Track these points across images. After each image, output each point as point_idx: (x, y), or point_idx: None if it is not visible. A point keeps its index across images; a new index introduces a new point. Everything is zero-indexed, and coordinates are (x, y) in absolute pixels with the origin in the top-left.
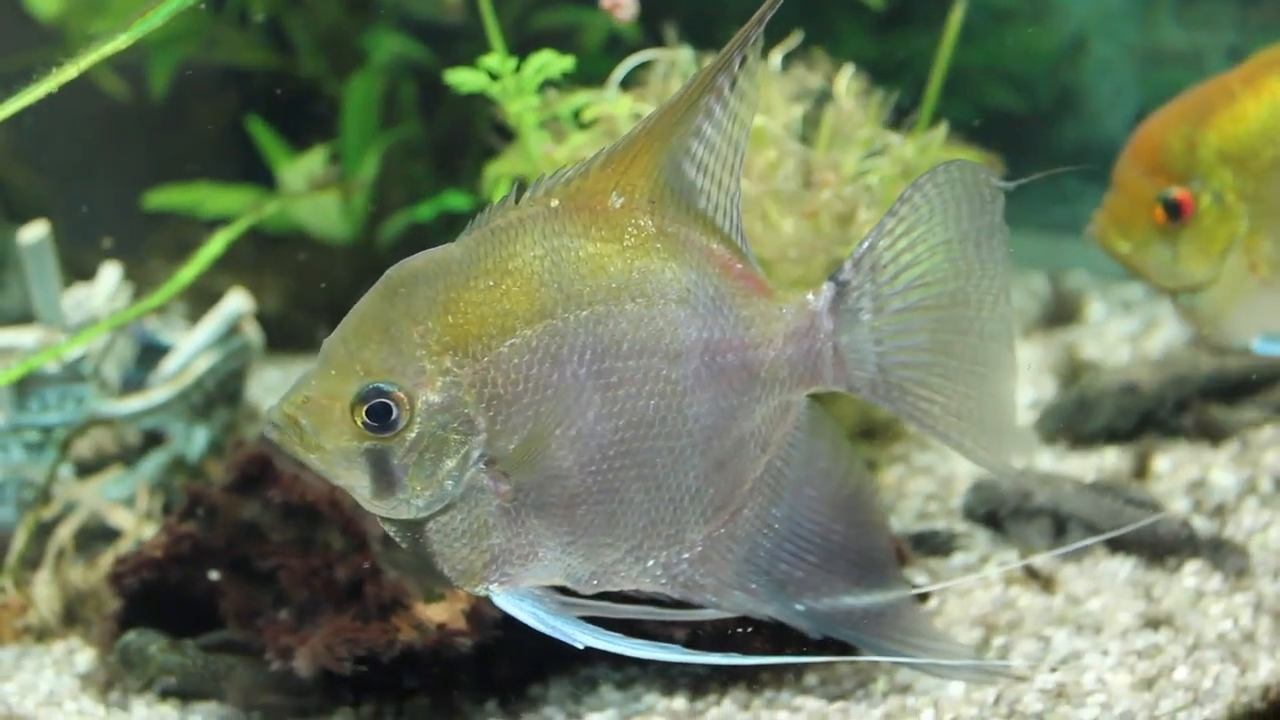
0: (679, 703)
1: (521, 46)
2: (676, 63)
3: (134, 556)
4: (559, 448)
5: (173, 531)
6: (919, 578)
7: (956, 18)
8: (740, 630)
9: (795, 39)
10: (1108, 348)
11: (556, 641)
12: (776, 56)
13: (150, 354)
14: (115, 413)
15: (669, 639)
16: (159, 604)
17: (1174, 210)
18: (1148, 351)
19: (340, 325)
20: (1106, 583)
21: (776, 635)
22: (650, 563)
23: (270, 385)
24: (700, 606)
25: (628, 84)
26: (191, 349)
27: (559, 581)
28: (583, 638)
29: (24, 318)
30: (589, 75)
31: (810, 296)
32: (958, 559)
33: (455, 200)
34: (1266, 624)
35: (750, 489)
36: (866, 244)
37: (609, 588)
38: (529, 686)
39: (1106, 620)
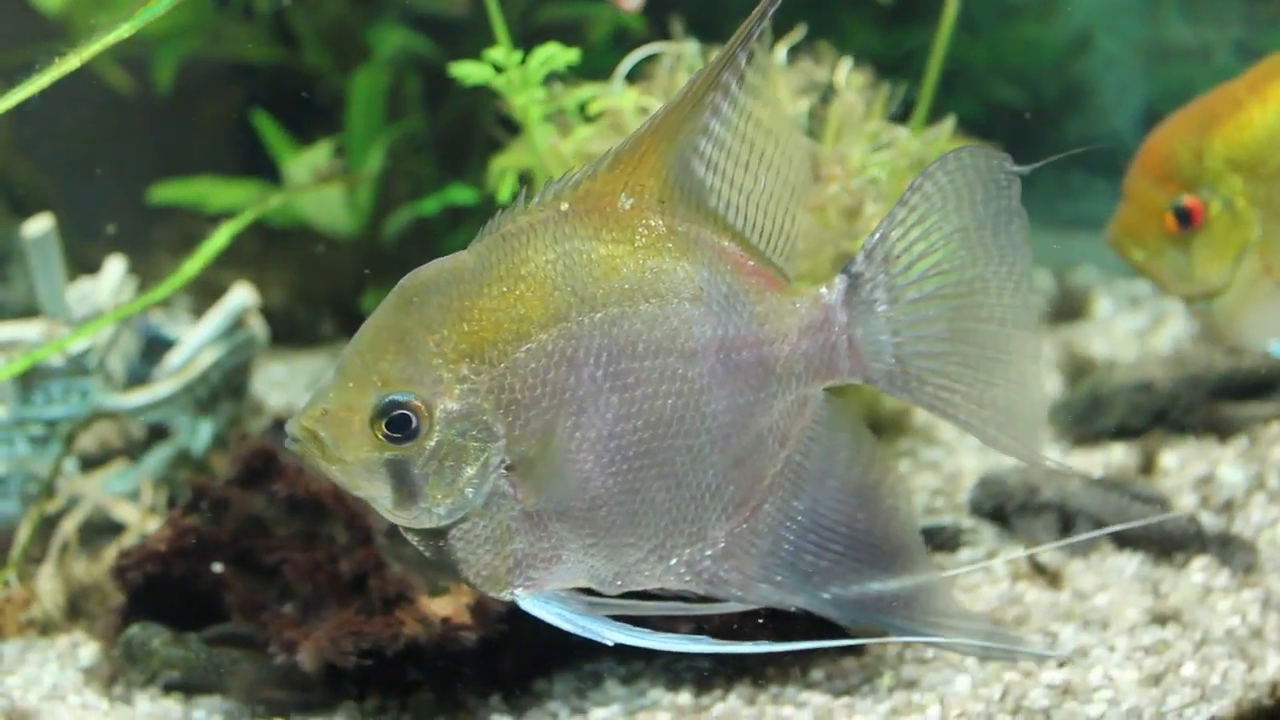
0: (684, 698)
1: (527, 40)
2: (682, 56)
3: (138, 550)
4: (578, 450)
5: (177, 525)
6: None
7: (951, 11)
8: (740, 626)
9: (799, 33)
10: (1115, 344)
11: (561, 636)
12: (781, 50)
13: (155, 348)
14: (120, 406)
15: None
16: (163, 598)
17: (1185, 218)
18: (1155, 347)
19: (355, 337)
20: (1114, 578)
21: (782, 629)
22: (674, 561)
23: (275, 380)
24: (725, 600)
25: (634, 77)
26: (196, 343)
27: (583, 583)
28: (611, 635)
29: (29, 312)
30: (595, 70)
31: (824, 290)
32: (964, 554)
33: (460, 194)
34: (1275, 620)
35: (771, 484)
36: (878, 235)
37: (633, 587)
38: (534, 681)
39: (1114, 616)
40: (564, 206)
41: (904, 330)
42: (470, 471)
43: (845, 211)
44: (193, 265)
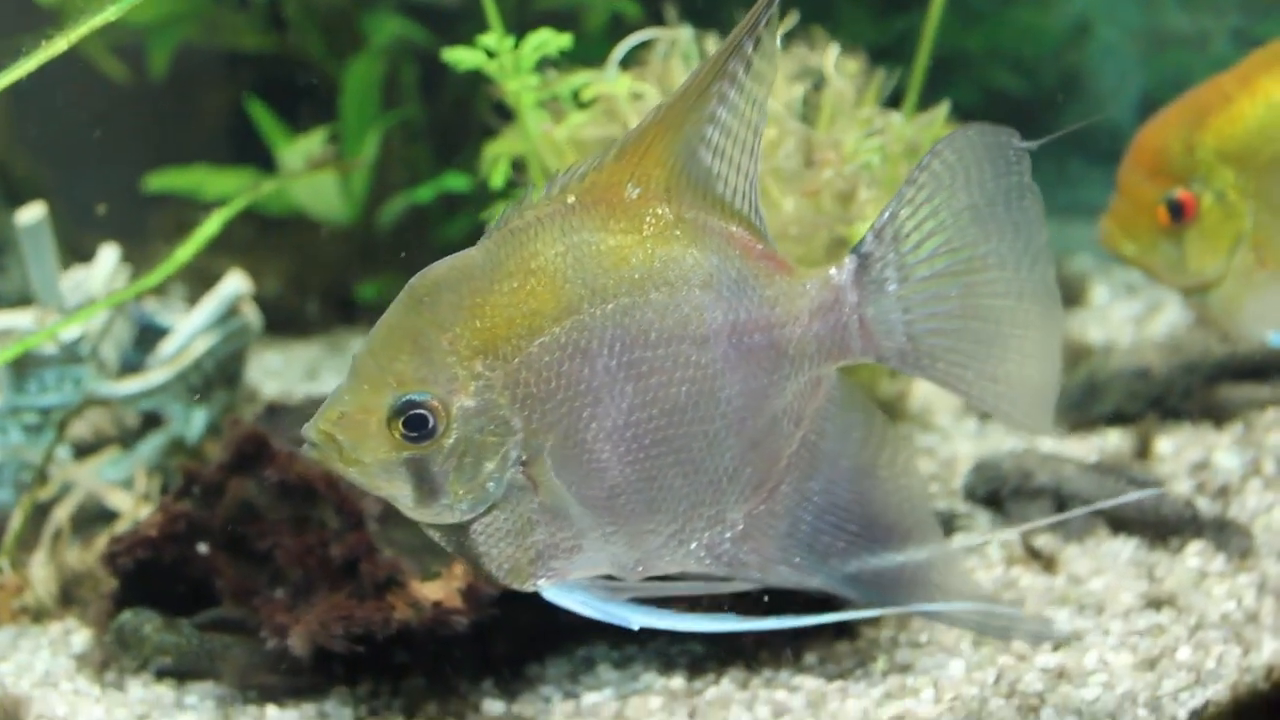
0: (677, 682)
1: (522, 28)
2: (677, 42)
3: (129, 536)
4: (595, 440)
5: (168, 510)
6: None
7: None
8: (732, 606)
9: (792, 20)
10: (1112, 330)
11: (554, 621)
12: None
13: (149, 336)
14: (113, 394)
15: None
16: (155, 583)
17: (1177, 211)
18: (1152, 334)
19: (368, 338)
20: (1109, 563)
21: (776, 609)
22: (693, 545)
23: (270, 369)
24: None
25: (628, 64)
26: (190, 330)
27: (605, 570)
28: (637, 619)
29: (26, 302)
30: (592, 58)
31: (833, 271)
32: (959, 539)
33: (455, 182)
34: (1270, 605)
35: (786, 465)
36: (887, 214)
37: (654, 573)
38: (526, 666)
39: (1109, 600)
40: (571, 199)
41: (915, 308)
42: (490, 466)
43: (839, 196)
44: (185, 252)
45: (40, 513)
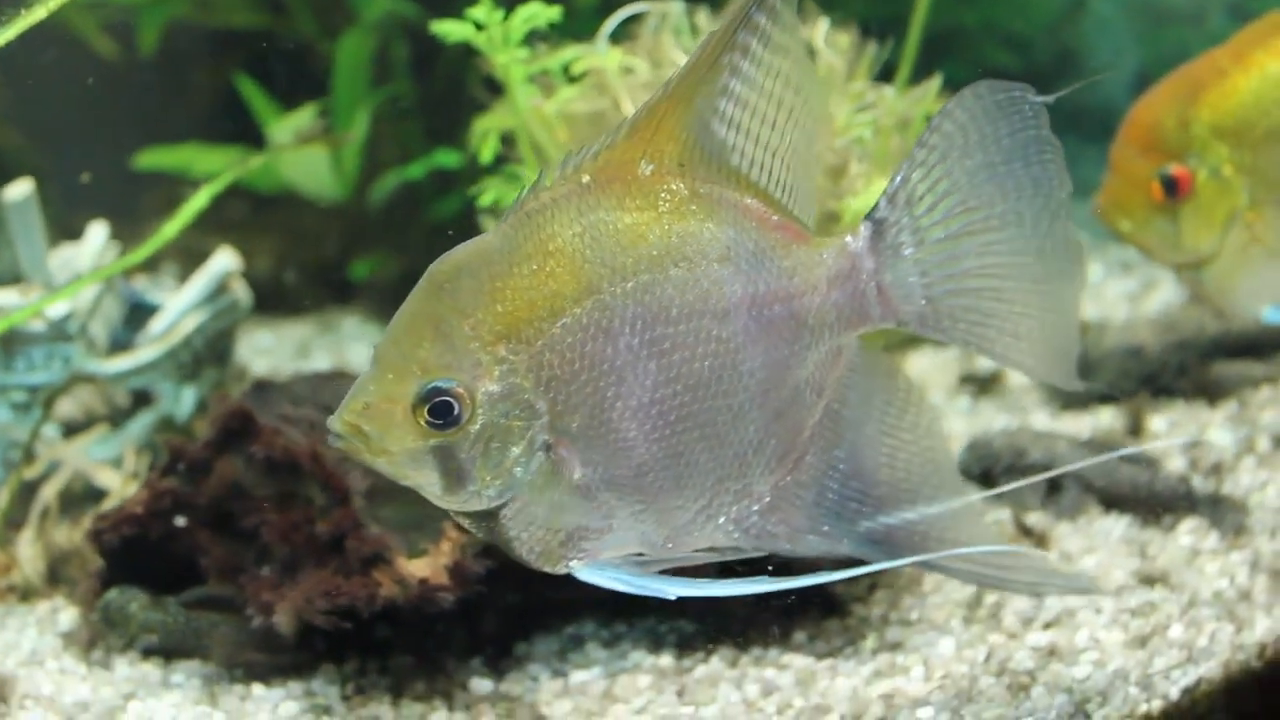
0: (666, 660)
1: (512, 2)
2: (667, 16)
3: (114, 513)
4: (621, 420)
5: (154, 487)
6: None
7: None
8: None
9: None
10: (1106, 308)
11: (542, 599)
12: None
13: (139, 314)
14: (102, 372)
15: None
16: (141, 561)
17: (1172, 187)
18: (1146, 312)
19: (389, 327)
20: (1101, 540)
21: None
22: (721, 519)
23: (261, 347)
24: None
25: (618, 38)
26: (179, 308)
27: (634, 549)
28: (673, 589)
29: (13, 280)
30: (581, 33)
31: (849, 238)
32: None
33: (446, 158)
34: (1263, 582)
35: (810, 435)
36: (899, 178)
37: (683, 549)
38: (514, 644)
39: (1101, 578)
40: (585, 179)
41: (932, 270)
42: (516, 451)
43: (830, 170)
44: (172, 227)
45: (29, 491)
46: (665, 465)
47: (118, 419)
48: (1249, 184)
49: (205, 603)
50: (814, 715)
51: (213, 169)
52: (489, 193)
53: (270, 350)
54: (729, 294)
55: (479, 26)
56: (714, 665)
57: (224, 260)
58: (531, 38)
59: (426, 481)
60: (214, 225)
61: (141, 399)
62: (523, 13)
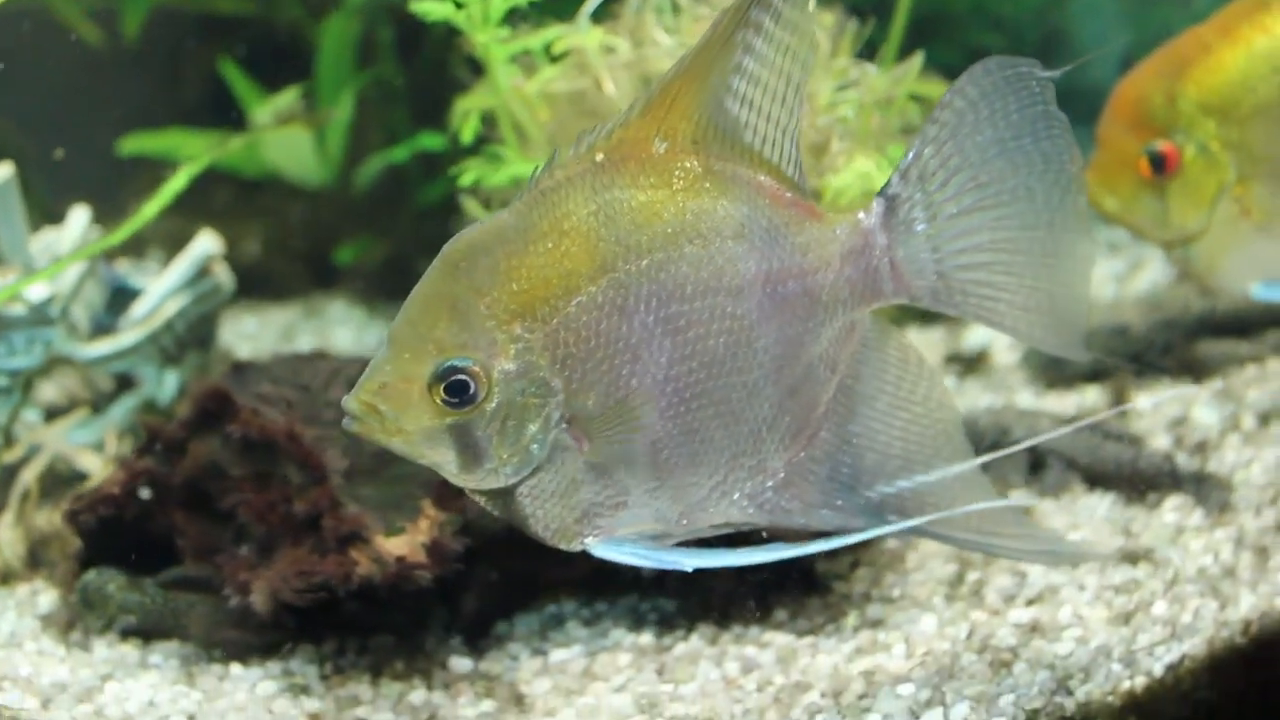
0: (646, 638)
1: None
2: None
3: (91, 494)
4: (636, 397)
5: (130, 468)
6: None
7: None
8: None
9: None
10: (1093, 288)
11: (522, 578)
12: None
13: (122, 299)
14: (83, 356)
15: None
16: (120, 542)
17: (1159, 163)
18: (1133, 291)
19: (404, 306)
20: (1085, 518)
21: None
22: (736, 495)
23: (245, 332)
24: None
25: (599, 17)
26: (161, 292)
27: (649, 526)
28: (690, 561)
29: None
30: (563, 12)
31: (861, 215)
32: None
33: (430, 141)
34: (1248, 559)
35: (824, 410)
36: (911, 154)
37: (699, 525)
38: (494, 623)
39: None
40: (599, 157)
41: (944, 245)
42: (533, 429)
43: (811, 148)
44: (151, 208)
45: (9, 475)
46: (680, 442)
47: (100, 404)
48: (1236, 160)
49: (183, 583)
50: (794, 693)
51: (198, 154)
52: (469, 173)
53: (255, 335)
54: (743, 271)
55: (459, 5)
56: (694, 643)
57: (205, 244)
58: (512, 17)
59: (443, 460)
60: (200, 211)
61: (124, 383)
62: None
